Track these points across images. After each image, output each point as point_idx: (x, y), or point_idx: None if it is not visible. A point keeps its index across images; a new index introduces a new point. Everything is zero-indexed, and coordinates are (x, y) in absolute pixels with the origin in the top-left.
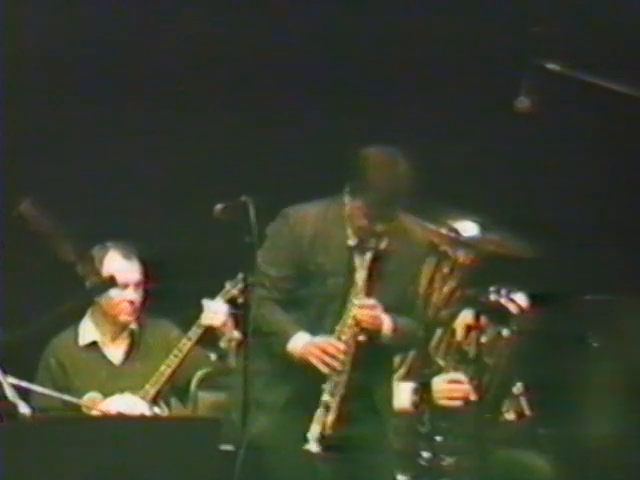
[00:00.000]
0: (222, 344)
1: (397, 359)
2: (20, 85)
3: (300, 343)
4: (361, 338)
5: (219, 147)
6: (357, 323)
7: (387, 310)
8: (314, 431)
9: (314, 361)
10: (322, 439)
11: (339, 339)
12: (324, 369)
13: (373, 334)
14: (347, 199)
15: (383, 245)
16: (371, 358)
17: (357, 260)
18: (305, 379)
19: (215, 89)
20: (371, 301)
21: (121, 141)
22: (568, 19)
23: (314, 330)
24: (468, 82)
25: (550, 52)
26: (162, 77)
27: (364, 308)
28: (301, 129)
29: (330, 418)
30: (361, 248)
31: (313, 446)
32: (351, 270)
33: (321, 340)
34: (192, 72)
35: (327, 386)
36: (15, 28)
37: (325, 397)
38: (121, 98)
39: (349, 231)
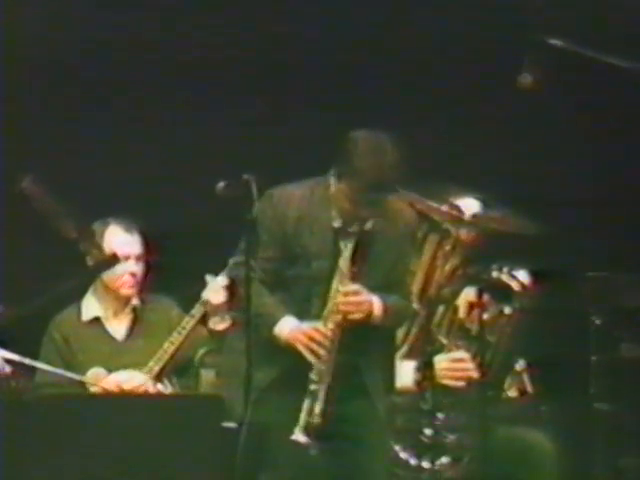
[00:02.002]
0: (210, 324)
1: (399, 337)
2: (21, 65)
3: (287, 328)
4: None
5: (223, 125)
6: (343, 312)
7: (375, 290)
8: (302, 421)
9: (300, 348)
10: (310, 428)
11: (325, 325)
12: (310, 356)
13: (362, 320)
14: (333, 181)
15: (368, 226)
16: (360, 339)
17: (342, 243)
18: (291, 360)
19: (217, 73)
20: (355, 286)
21: (123, 118)
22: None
23: (300, 312)
24: (469, 59)
25: (553, 28)
26: (166, 62)
27: (349, 295)
28: (304, 108)
29: (318, 407)
30: (345, 231)
31: (300, 436)
32: (336, 253)
33: (308, 326)
34: (200, 53)
35: (313, 375)
36: (15, 25)
37: (312, 386)
38: (124, 79)
39: (334, 213)
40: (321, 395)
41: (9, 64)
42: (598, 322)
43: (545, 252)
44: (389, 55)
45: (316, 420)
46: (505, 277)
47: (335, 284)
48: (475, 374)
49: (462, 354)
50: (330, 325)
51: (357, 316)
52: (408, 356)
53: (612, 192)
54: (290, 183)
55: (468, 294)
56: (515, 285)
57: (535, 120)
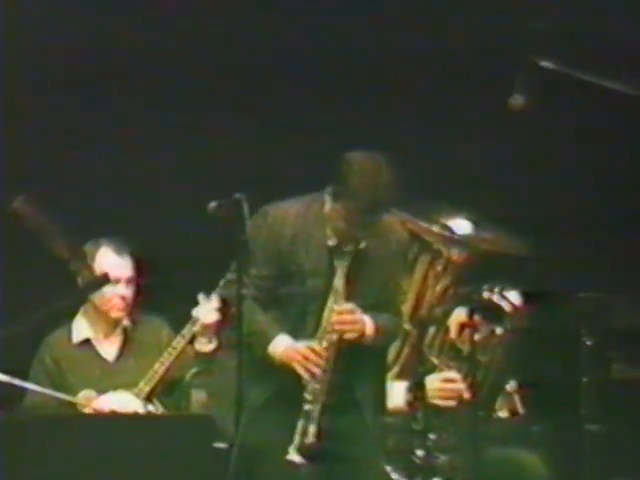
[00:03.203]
0: (196, 346)
1: (391, 357)
2: (16, 82)
3: (281, 347)
4: (343, 344)
5: (214, 144)
6: (338, 331)
7: (367, 308)
8: (297, 442)
9: (296, 367)
10: (304, 448)
11: (320, 344)
12: (305, 375)
13: (355, 339)
14: (328, 199)
15: (362, 246)
16: (353, 359)
17: (337, 262)
18: (285, 378)
19: (211, 89)
20: (350, 305)
21: (115, 138)
22: (563, 16)
23: (294, 330)
24: (461, 80)
25: (545, 50)
26: (159, 76)
27: (343, 314)
28: (297, 127)
29: (312, 427)
30: (340, 250)
31: (295, 457)
32: (331, 272)
33: (302, 346)
34: (189, 71)
35: (308, 394)
36: (15, 27)
37: (306, 406)
38: (116, 96)
39: (329, 231)
40: (315, 415)
41: (6, 66)
42: (589, 343)
43: (536, 273)
44: (384, 75)
45: (310, 440)
46: (496, 298)
47: (330, 303)
48: (466, 394)
49: (453, 374)
50: (325, 344)
51: (351, 335)
52: (399, 376)
53: (605, 213)
54: (285, 200)
55: (459, 314)
56: (506, 306)
57: (527, 141)
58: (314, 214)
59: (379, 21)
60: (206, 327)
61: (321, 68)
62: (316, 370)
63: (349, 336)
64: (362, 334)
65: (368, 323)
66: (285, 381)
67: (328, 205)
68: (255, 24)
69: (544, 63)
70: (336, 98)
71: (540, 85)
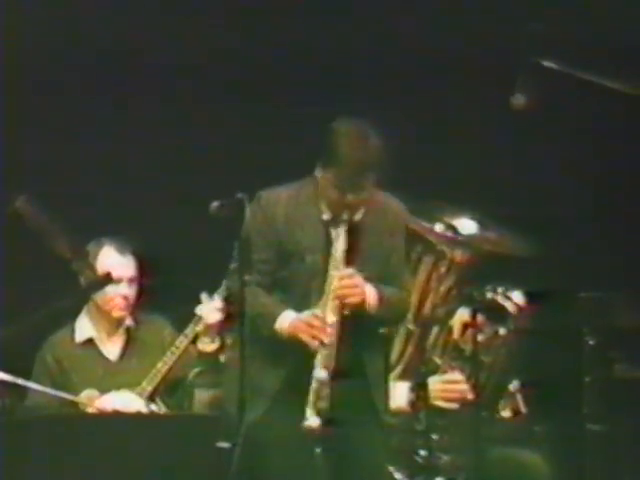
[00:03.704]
0: (199, 345)
1: (394, 357)
2: (17, 80)
3: (287, 320)
4: (346, 312)
5: (216, 144)
6: (339, 296)
7: (370, 281)
8: (311, 405)
9: (302, 336)
10: (319, 414)
11: (323, 312)
12: (312, 343)
13: (358, 306)
14: (318, 173)
15: (358, 217)
16: (360, 330)
17: (333, 233)
18: (298, 362)
19: (213, 87)
20: (349, 270)
21: (118, 137)
22: (564, 16)
23: (299, 308)
24: (465, 79)
25: (546, 50)
26: (160, 75)
27: (344, 278)
28: (298, 128)
29: (325, 392)
30: (336, 222)
31: (312, 420)
32: (328, 244)
33: (306, 314)
34: (191, 70)
35: (317, 361)
36: (15, 25)
37: (317, 373)
38: (118, 95)
39: (323, 206)
40: (326, 381)
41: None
42: (592, 342)
43: (539, 273)
44: (386, 75)
45: (324, 405)
46: (500, 298)
47: (330, 272)
48: (469, 395)
49: (456, 375)
50: (329, 311)
51: (353, 300)
52: (402, 377)
53: (607, 213)
54: (279, 186)
55: (463, 315)
56: (510, 306)
57: (531, 140)
58: (307, 193)
59: (379, 20)
60: (209, 327)
61: (322, 69)
62: (322, 336)
63: (351, 301)
64: (364, 300)
65: (370, 290)
66: (299, 364)
67: (319, 178)
68: (255, 24)
69: (546, 63)
70: (338, 98)
71: (542, 85)
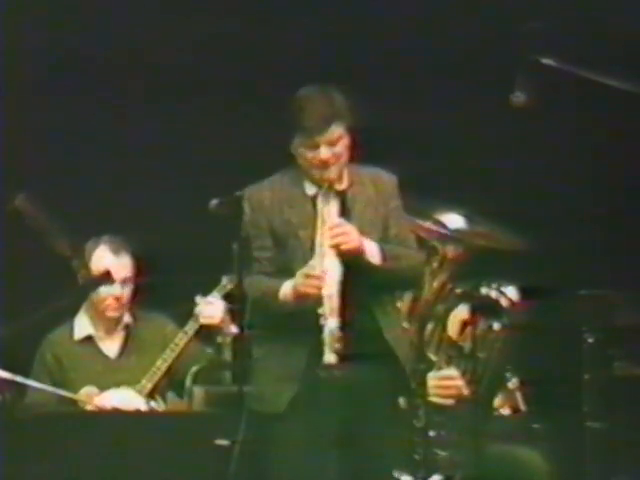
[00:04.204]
0: (218, 339)
1: None
2: (17, 79)
3: (289, 286)
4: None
5: (215, 142)
6: (334, 245)
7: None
8: (328, 343)
9: (304, 289)
10: (337, 350)
11: (320, 264)
12: (314, 292)
13: (356, 252)
14: (292, 145)
15: (342, 187)
16: (373, 289)
17: (320, 202)
18: (317, 339)
19: (212, 85)
20: (338, 220)
21: (116, 135)
22: (564, 14)
23: None
24: (460, 76)
25: (546, 47)
26: (159, 73)
27: (334, 227)
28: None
29: (337, 334)
30: (320, 192)
31: (332, 357)
32: (317, 214)
33: (303, 269)
34: (191, 69)
35: (322, 310)
36: (15, 25)
37: (325, 320)
38: (116, 95)
39: (306, 183)
40: (334, 324)
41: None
42: (591, 340)
43: (534, 268)
44: (385, 73)
45: (338, 345)
46: (494, 293)
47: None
48: (465, 391)
49: (452, 371)
50: (326, 260)
51: (347, 247)
52: None
53: (604, 209)
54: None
55: (461, 312)
56: (504, 301)
57: (524, 135)
58: (290, 175)
59: (379, 20)
60: (215, 324)
61: (321, 68)
62: (321, 283)
63: (345, 247)
64: (361, 248)
65: (368, 242)
66: (317, 344)
67: (293, 149)
68: (255, 24)
69: (545, 60)
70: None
71: (541, 82)
